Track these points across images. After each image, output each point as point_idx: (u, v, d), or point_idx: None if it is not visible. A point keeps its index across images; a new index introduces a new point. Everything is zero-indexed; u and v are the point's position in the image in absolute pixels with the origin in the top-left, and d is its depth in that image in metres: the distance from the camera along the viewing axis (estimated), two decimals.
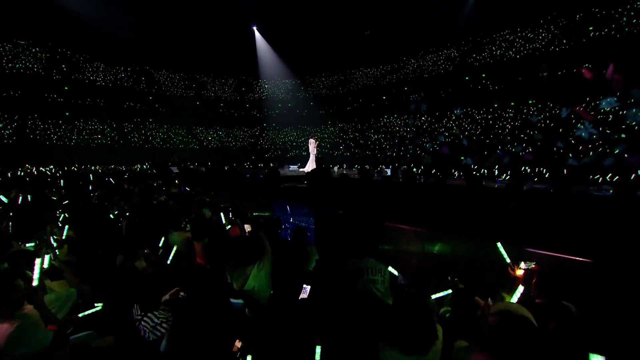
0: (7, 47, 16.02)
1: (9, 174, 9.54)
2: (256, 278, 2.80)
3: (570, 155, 9.55)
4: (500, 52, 13.78)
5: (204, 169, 9.43)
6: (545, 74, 11.95)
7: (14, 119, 15.85)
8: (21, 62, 16.27)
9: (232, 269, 2.92)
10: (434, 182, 4.71)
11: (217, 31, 18.98)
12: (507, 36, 13.57)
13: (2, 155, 14.54)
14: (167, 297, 2.59)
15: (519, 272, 2.47)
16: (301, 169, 12.07)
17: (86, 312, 2.64)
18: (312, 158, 11.00)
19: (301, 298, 2.49)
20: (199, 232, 3.88)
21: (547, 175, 8.88)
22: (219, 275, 2.88)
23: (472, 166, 10.84)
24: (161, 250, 3.54)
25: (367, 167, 11.46)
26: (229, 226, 4.06)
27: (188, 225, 4.12)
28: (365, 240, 3.07)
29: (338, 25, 18.82)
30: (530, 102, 12.27)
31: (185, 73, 20.76)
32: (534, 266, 2.47)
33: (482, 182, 4.18)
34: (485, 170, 10.03)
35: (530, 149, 10.31)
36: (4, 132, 15.63)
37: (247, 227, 4.16)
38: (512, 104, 12.82)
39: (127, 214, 5.32)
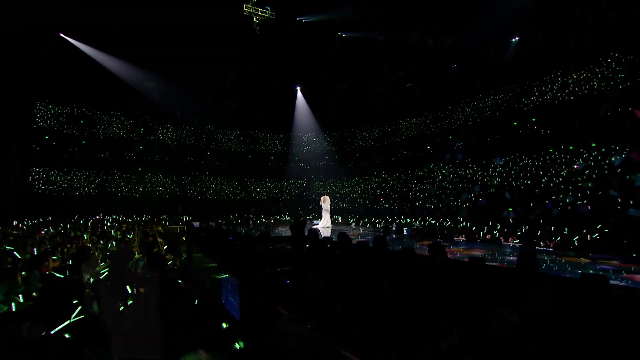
0: (104, 118, 19.76)
1: (67, 225, 11.08)
2: None
3: (631, 202, 7.55)
4: (552, 95, 12.34)
5: (213, 224, 9.62)
6: (608, 114, 10.21)
7: (99, 175, 18.89)
8: (113, 128, 19.80)
9: None
10: (402, 252, 3.97)
11: (270, 92, 21.10)
12: (558, 77, 12.19)
13: (82, 206, 17.16)
14: None
15: None
16: (315, 226, 11.77)
17: None
18: (326, 216, 10.73)
19: None
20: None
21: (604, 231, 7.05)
22: None
23: (509, 220, 9.26)
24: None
25: (345, 231, 10.50)
26: None
27: None
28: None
29: (381, 80, 19.32)
30: (593, 145, 10.42)
31: (241, 130, 22.92)
32: None
33: (444, 252, 3.27)
34: (527, 225, 8.43)
35: (585, 201, 8.48)
36: (91, 186, 18.62)
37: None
38: (571, 147, 11.03)
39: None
